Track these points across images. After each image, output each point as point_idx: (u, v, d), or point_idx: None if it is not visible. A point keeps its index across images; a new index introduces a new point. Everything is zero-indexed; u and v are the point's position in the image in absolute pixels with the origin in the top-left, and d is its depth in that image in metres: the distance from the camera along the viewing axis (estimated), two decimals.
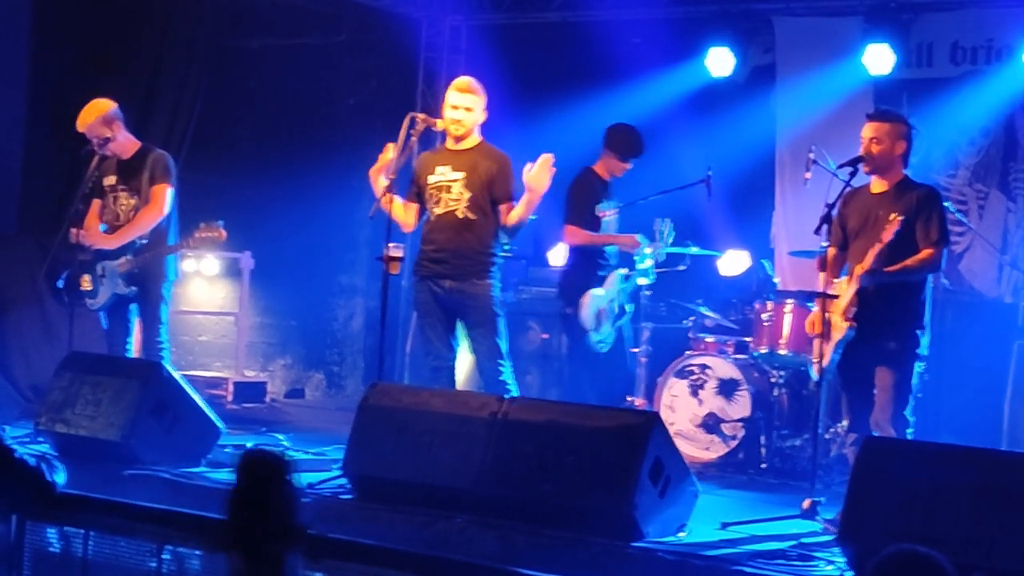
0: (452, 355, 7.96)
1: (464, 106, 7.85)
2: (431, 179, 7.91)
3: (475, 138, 7.93)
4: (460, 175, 7.84)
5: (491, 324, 7.84)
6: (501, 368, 7.84)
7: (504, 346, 7.87)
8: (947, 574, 3.56)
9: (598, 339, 8.79)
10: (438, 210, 7.87)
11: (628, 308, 8.96)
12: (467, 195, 7.82)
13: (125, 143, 8.76)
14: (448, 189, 7.86)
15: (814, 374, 7.16)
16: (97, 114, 8.66)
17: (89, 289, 8.69)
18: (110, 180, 8.75)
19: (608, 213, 8.82)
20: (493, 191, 7.82)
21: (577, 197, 8.86)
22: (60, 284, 8.84)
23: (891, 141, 7.07)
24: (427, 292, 7.92)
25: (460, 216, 7.83)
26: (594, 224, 8.81)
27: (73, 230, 8.66)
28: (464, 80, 8.00)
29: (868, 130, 7.10)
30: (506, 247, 10.52)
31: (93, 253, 8.67)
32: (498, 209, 7.86)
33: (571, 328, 8.91)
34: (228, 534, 3.97)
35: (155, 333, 8.64)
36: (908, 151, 7.14)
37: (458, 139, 7.90)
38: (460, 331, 8.00)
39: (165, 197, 8.61)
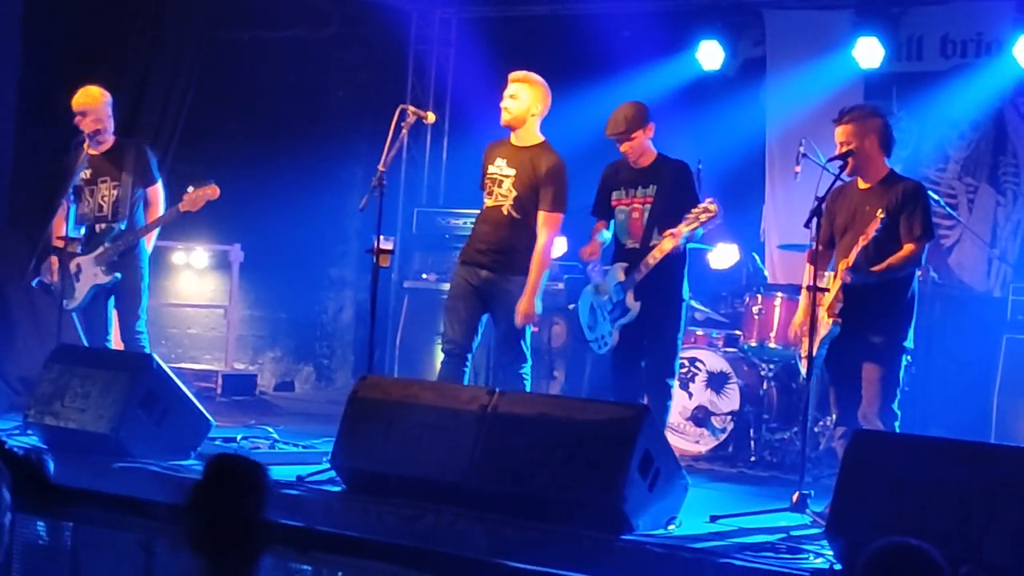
0: (466, 343, 7.87)
1: (510, 94, 7.83)
2: (490, 169, 7.91)
3: (536, 135, 7.87)
4: (512, 172, 7.80)
5: (519, 328, 7.79)
6: (522, 371, 7.82)
7: (527, 347, 7.85)
8: (938, 566, 3.56)
9: (591, 338, 8.14)
10: (489, 202, 7.88)
11: (632, 308, 7.84)
12: (514, 193, 7.79)
13: (108, 136, 8.78)
14: (500, 183, 7.84)
15: (802, 368, 7.18)
16: (103, 100, 8.67)
17: (66, 292, 8.67)
18: (84, 175, 8.74)
19: (620, 201, 7.97)
20: (538, 195, 7.76)
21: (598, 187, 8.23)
22: (33, 284, 8.84)
23: (859, 139, 7.01)
24: (462, 277, 7.92)
25: (505, 213, 7.82)
26: (609, 214, 8.08)
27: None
28: (520, 71, 7.96)
29: (837, 135, 7.08)
30: None
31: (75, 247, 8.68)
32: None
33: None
34: (191, 534, 3.88)
35: (133, 323, 8.64)
36: (885, 142, 7.06)
37: (511, 129, 7.86)
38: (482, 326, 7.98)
39: (161, 196, 8.75)
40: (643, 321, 7.85)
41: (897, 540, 3.60)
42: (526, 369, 7.86)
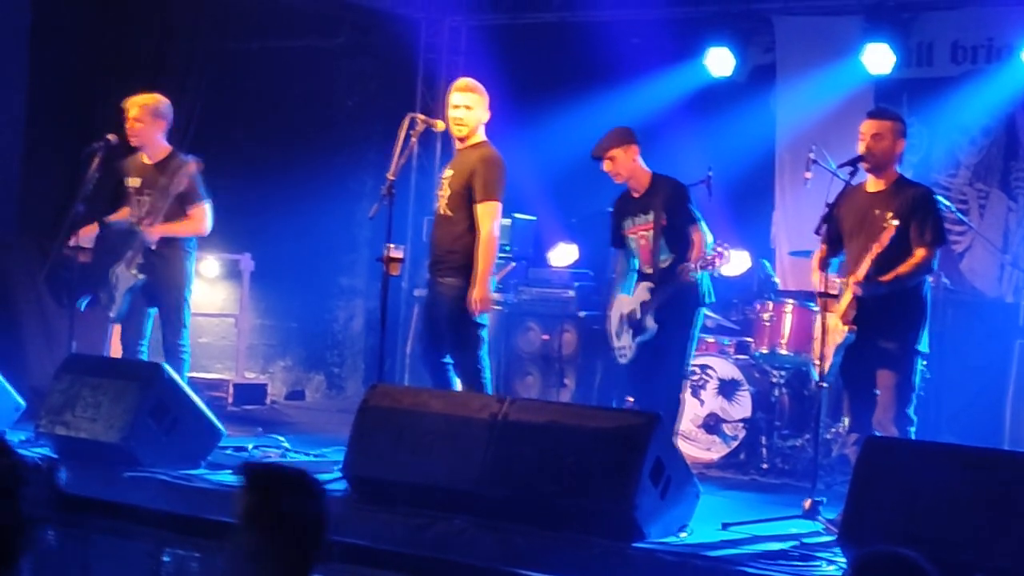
0: (436, 354, 7.96)
1: (464, 105, 7.86)
2: (442, 176, 8.04)
3: (477, 137, 7.92)
4: (451, 172, 7.92)
5: (456, 329, 7.80)
6: (475, 380, 7.79)
7: (476, 355, 7.79)
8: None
9: (616, 346, 8.28)
10: (436, 207, 8.00)
11: (649, 326, 8.01)
12: (449, 192, 7.87)
13: (159, 145, 8.71)
14: (441, 186, 7.96)
15: (815, 375, 7.16)
16: (145, 103, 8.64)
17: (108, 303, 8.67)
18: (134, 182, 8.72)
19: (629, 230, 8.20)
20: (472, 189, 7.79)
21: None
22: (82, 307, 8.83)
23: (892, 139, 7.07)
24: (426, 287, 8.10)
25: (442, 212, 7.91)
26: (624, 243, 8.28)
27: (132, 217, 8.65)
28: (464, 80, 8.03)
29: (870, 126, 7.08)
30: (507, 248, 10.54)
31: (92, 256, 8.68)
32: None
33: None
34: (240, 556, 3.63)
35: (177, 336, 8.59)
36: (903, 150, 7.16)
37: (461, 139, 7.91)
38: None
39: (206, 216, 8.61)
40: (658, 341, 8.03)
41: (888, 549, 3.51)
42: (482, 380, 7.81)
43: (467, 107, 7.86)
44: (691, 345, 8.14)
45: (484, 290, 7.68)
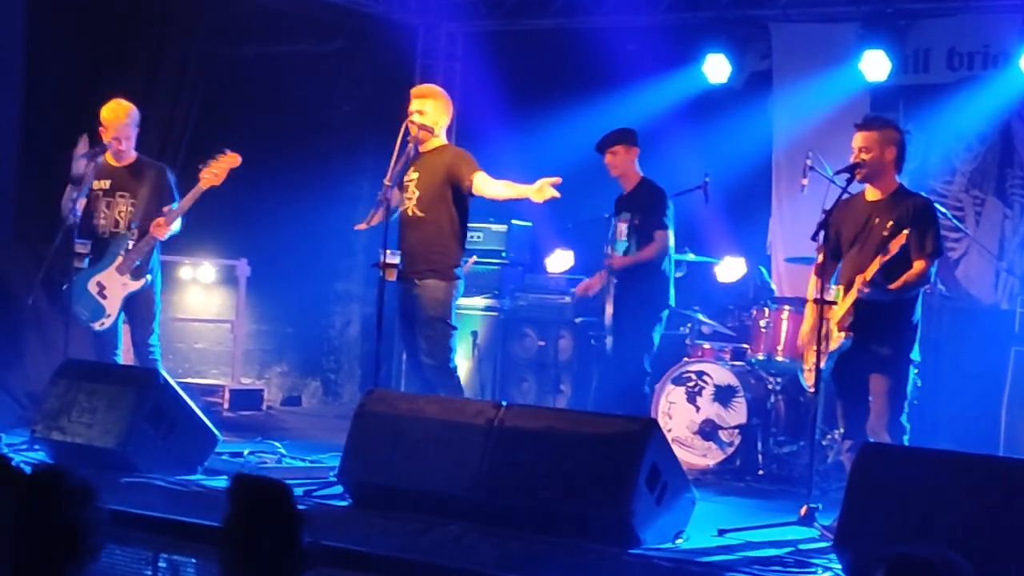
0: (412, 357, 8.04)
1: (416, 110, 7.94)
2: (404, 181, 8.03)
3: (438, 141, 8.00)
4: (416, 175, 7.96)
5: (431, 330, 7.83)
6: (444, 383, 7.83)
7: (448, 356, 7.85)
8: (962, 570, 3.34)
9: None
10: (400, 209, 8.03)
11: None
12: (417, 193, 7.92)
13: (129, 151, 8.74)
14: (406, 189, 8.00)
15: (804, 382, 7.18)
16: (125, 116, 8.65)
17: (86, 315, 8.65)
18: (102, 184, 8.71)
19: (617, 226, 8.95)
20: (454, 180, 7.86)
21: None
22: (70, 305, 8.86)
23: (880, 149, 7.05)
24: (398, 291, 8.04)
25: (410, 214, 7.94)
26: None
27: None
28: (422, 86, 8.12)
29: (856, 140, 7.09)
30: (503, 255, 10.57)
31: (85, 263, 8.66)
32: (453, 206, 7.93)
33: None
34: (226, 566, 3.69)
35: (146, 337, 8.62)
36: (900, 157, 7.11)
37: (419, 142, 7.93)
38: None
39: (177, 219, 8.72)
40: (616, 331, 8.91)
41: (914, 552, 3.39)
42: (450, 383, 7.88)
43: (418, 112, 7.96)
44: (645, 341, 8.90)
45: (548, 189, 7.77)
